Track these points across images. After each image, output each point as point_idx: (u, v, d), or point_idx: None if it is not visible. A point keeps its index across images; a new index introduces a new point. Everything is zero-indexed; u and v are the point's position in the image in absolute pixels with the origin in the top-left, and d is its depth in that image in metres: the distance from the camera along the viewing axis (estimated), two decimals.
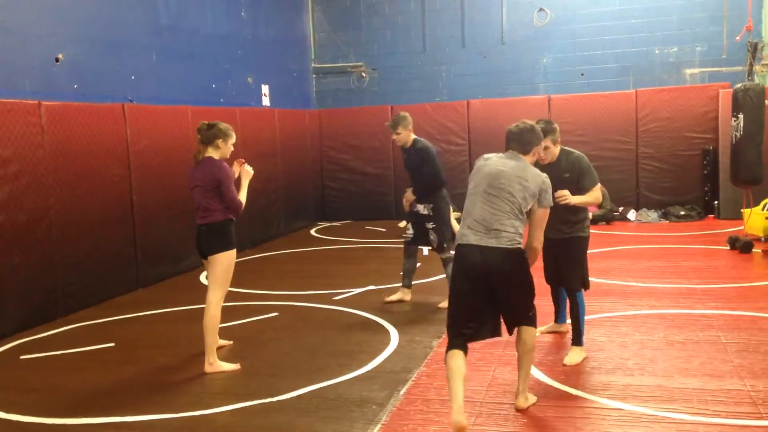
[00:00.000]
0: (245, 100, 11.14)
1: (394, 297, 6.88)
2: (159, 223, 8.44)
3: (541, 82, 12.72)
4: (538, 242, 4.13)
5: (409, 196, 6.74)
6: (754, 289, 6.85)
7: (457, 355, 3.86)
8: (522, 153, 4.13)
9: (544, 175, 4.10)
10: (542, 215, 4.09)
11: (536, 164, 4.30)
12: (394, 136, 6.68)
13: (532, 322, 4.08)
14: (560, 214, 4.81)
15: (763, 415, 3.89)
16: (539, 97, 12.30)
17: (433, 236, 6.64)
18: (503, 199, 3.94)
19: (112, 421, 4.31)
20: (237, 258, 5.27)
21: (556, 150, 4.95)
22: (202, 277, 8.45)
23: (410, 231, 6.81)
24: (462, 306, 3.97)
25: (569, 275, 5.02)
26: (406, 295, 6.86)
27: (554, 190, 4.29)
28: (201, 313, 5.87)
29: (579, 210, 4.98)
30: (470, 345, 3.93)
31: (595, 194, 4.94)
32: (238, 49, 11.03)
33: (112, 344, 5.93)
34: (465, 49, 13.04)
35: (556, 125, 4.96)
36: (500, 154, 4.16)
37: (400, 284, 6.91)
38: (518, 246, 3.96)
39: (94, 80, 7.91)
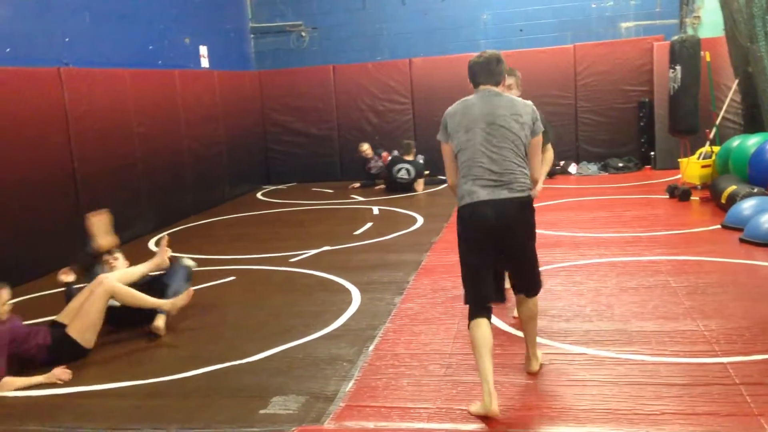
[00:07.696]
0: (183, 62, 10.81)
1: None
2: (102, 190, 8.18)
3: (482, 38, 12.75)
4: (540, 173, 3.94)
5: None
6: (695, 234, 7.14)
7: (482, 323, 3.55)
8: (494, 85, 3.73)
9: (529, 101, 3.77)
10: (536, 143, 3.75)
11: None
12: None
13: (540, 285, 3.89)
14: None
15: (718, 352, 4.09)
16: None
17: None
18: (506, 142, 3.57)
19: (79, 390, 4.23)
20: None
21: (516, 93, 4.67)
22: (151, 244, 8.29)
23: None
24: (482, 272, 3.64)
25: None
26: None
27: None
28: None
29: None
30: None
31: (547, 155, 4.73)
32: (173, 9, 10.66)
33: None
34: (405, 6, 12.93)
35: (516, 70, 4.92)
36: (477, 94, 3.72)
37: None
38: (530, 193, 3.65)
39: (26, 43, 7.53)
